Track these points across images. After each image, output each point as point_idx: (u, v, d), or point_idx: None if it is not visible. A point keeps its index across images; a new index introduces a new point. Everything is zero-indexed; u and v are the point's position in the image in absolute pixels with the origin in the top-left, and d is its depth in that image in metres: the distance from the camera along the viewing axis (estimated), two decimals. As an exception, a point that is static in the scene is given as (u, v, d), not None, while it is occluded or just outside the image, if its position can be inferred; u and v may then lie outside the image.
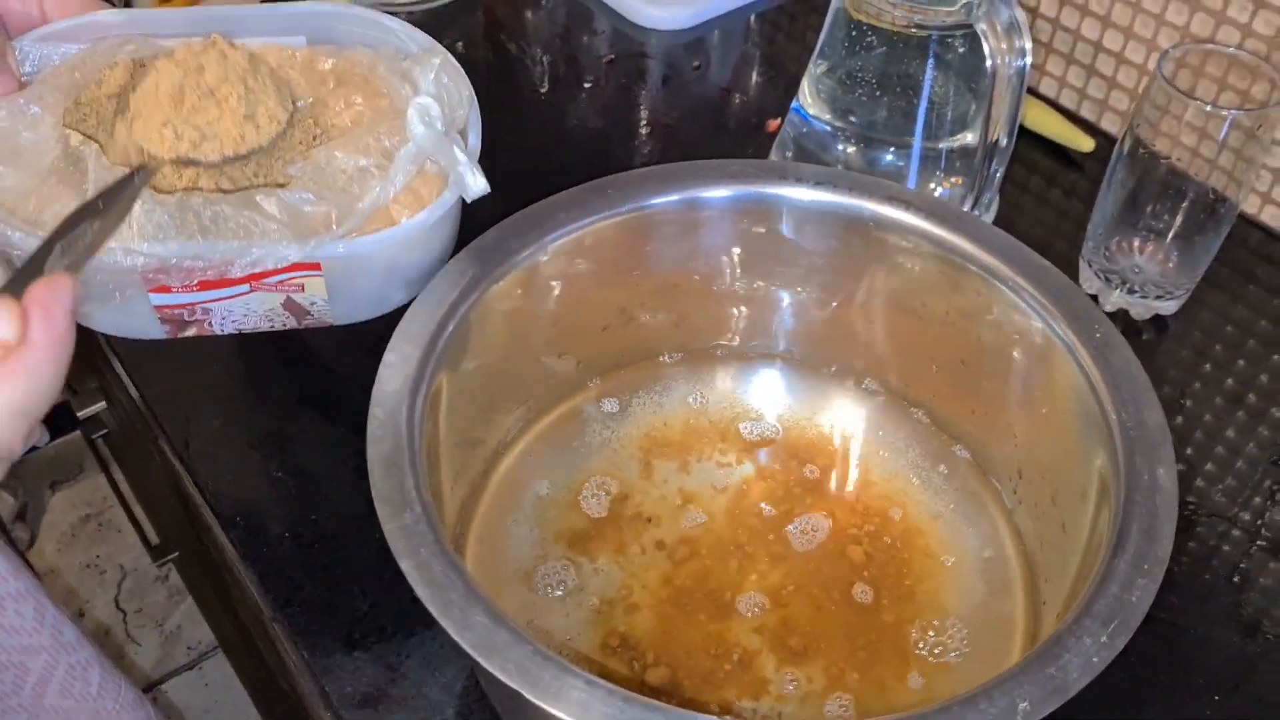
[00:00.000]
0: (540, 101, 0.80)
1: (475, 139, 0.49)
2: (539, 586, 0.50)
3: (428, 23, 0.87)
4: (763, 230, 0.53)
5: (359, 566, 0.52)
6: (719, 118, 0.80)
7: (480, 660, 0.35)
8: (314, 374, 0.62)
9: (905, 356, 0.55)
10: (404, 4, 0.86)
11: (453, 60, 0.50)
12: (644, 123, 0.80)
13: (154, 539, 1.21)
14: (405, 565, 0.37)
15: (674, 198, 0.51)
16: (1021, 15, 0.54)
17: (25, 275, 0.36)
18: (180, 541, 1.14)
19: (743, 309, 0.57)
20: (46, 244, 0.37)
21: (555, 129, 0.78)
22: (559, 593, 0.50)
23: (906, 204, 0.50)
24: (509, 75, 0.83)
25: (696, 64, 0.83)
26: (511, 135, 0.78)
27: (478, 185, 0.46)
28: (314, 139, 0.47)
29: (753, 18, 0.88)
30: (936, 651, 0.49)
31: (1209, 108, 0.57)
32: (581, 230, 0.50)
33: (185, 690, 1.33)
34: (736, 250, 0.54)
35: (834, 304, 0.55)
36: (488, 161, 0.75)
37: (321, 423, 0.59)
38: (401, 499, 0.39)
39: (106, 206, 0.40)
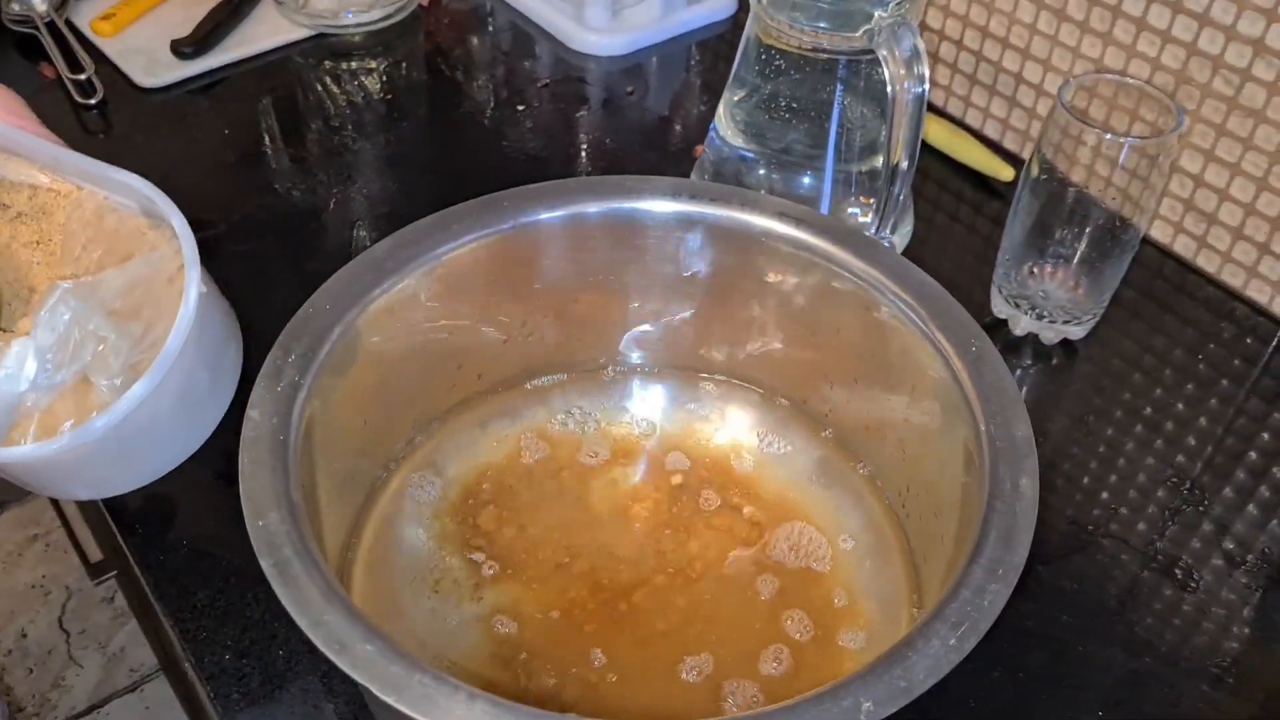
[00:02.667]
0: (479, 123, 0.81)
1: (104, 421, 0.40)
2: (431, 593, 0.50)
3: (369, 44, 0.88)
4: (649, 245, 0.53)
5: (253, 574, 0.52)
6: (654, 142, 0.81)
7: (331, 656, 0.35)
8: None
9: (799, 370, 0.56)
10: (345, 26, 0.87)
11: (80, 294, 0.42)
12: (581, 145, 0.81)
13: (96, 557, 1.21)
14: (265, 563, 0.37)
15: (566, 211, 0.52)
16: (921, 43, 0.55)
17: None
18: (117, 559, 1.13)
19: (634, 324, 0.57)
20: None
21: (494, 150, 0.79)
22: (451, 601, 0.50)
23: (794, 220, 0.51)
24: (449, 98, 0.84)
25: (630, 89, 0.85)
26: (450, 158, 0.79)
27: None
28: None
29: (693, 46, 0.90)
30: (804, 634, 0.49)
31: (1109, 136, 0.58)
32: (475, 241, 0.50)
33: (125, 713, 1.31)
34: (626, 264, 0.54)
35: (728, 319, 0.56)
36: (426, 184, 0.76)
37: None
38: (270, 499, 0.39)
39: None
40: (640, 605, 0.50)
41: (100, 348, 0.41)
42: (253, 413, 0.42)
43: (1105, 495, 0.58)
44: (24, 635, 1.38)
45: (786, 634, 0.49)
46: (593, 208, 0.52)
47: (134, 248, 0.45)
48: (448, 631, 0.49)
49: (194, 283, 0.42)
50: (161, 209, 0.44)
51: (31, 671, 1.35)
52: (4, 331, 0.44)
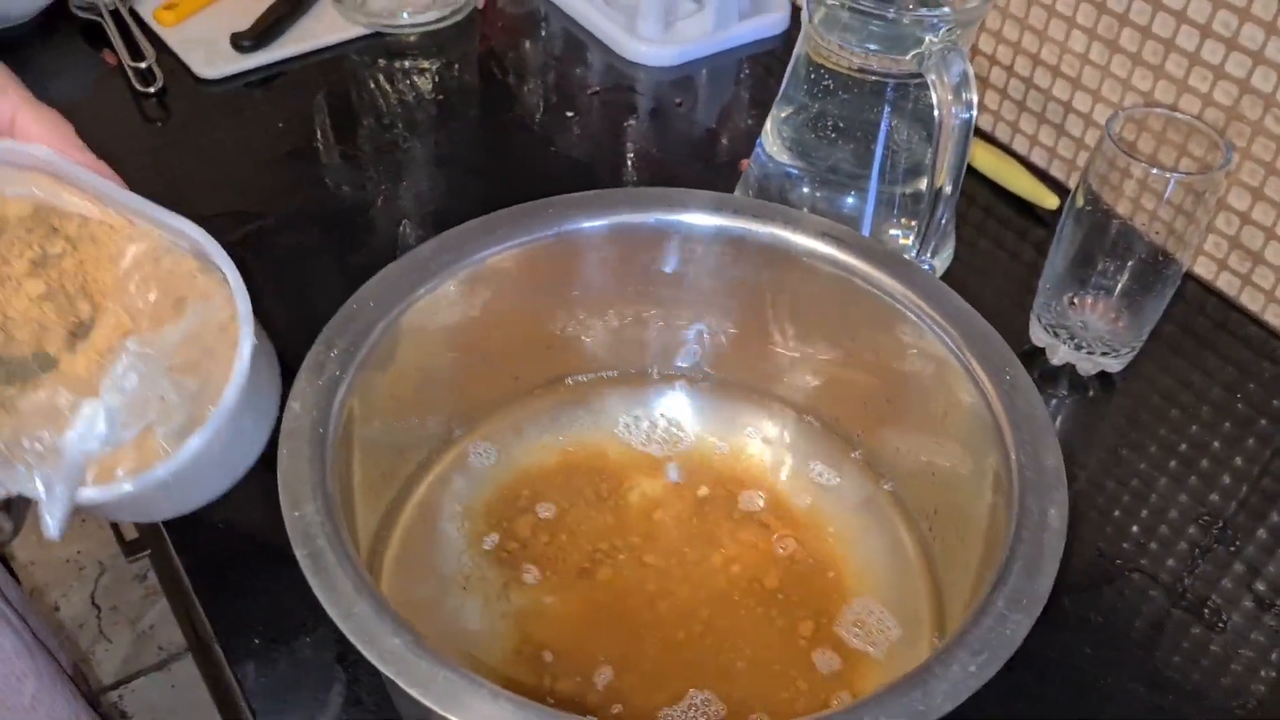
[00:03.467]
0: (528, 128, 0.82)
1: (164, 470, 0.42)
2: (460, 589, 0.51)
3: (424, 44, 0.89)
4: (693, 258, 0.54)
5: (290, 562, 0.53)
6: (699, 154, 0.81)
7: (360, 646, 0.35)
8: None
9: (833, 389, 0.56)
10: (401, 26, 0.89)
11: (147, 356, 0.44)
12: (628, 155, 0.81)
13: (131, 535, 1.23)
14: (299, 553, 0.38)
15: (604, 222, 0.52)
16: (970, 69, 0.55)
17: None
18: (152, 539, 1.15)
19: (672, 333, 0.58)
20: None
21: (541, 155, 0.80)
22: (479, 598, 0.51)
23: (836, 240, 0.52)
24: (500, 101, 0.85)
25: (679, 101, 0.85)
26: (498, 161, 0.80)
27: (47, 528, 0.41)
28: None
29: (743, 60, 0.90)
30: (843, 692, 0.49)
31: (1155, 170, 0.58)
32: (519, 247, 0.51)
33: (152, 690, 1.33)
34: (669, 275, 0.55)
35: (762, 334, 0.56)
36: (474, 185, 0.77)
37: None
38: (307, 490, 0.40)
39: None
40: (664, 615, 0.51)
41: (164, 405, 0.43)
42: (294, 404, 0.43)
43: (1136, 529, 0.58)
44: (57, 609, 1.40)
45: (801, 647, 0.50)
46: (635, 218, 0.53)
47: (187, 292, 0.46)
48: (474, 629, 0.49)
49: (247, 339, 0.43)
50: (216, 261, 0.45)
51: (61, 645, 1.37)
52: (46, 355, 0.45)
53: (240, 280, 0.44)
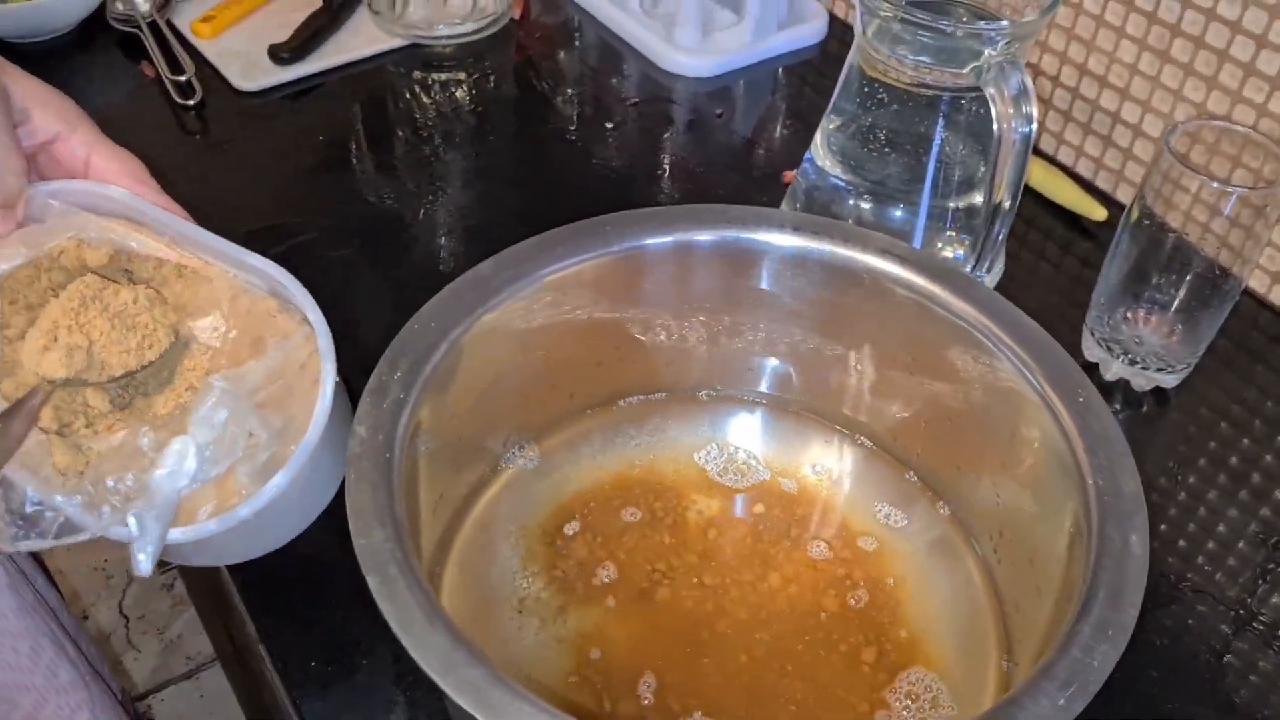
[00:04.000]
0: (565, 139, 0.82)
1: (248, 509, 0.42)
2: (516, 611, 0.50)
3: (460, 56, 0.89)
4: (753, 276, 0.53)
5: (341, 584, 0.53)
6: (738, 165, 0.81)
7: (435, 678, 0.35)
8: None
9: (891, 408, 0.55)
10: (438, 37, 0.88)
11: (235, 392, 0.43)
12: (665, 166, 0.81)
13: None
14: (372, 581, 0.37)
15: (668, 239, 0.52)
16: (1030, 82, 0.54)
17: None
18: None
19: (731, 353, 0.57)
20: None
21: (579, 167, 0.79)
22: (535, 622, 0.50)
23: (899, 258, 0.51)
24: (537, 112, 0.85)
25: (719, 112, 0.85)
26: (536, 173, 0.80)
27: (138, 565, 0.41)
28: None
29: (780, 69, 0.90)
30: (908, 709, 0.48)
31: (1215, 184, 0.57)
32: (576, 265, 0.50)
33: (180, 700, 1.33)
34: (728, 294, 0.54)
35: (822, 353, 0.55)
36: (512, 197, 0.77)
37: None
38: (375, 516, 0.39)
39: (4, 427, 0.39)
40: (724, 636, 0.50)
41: (250, 442, 0.43)
42: (359, 428, 0.42)
43: (1195, 549, 0.57)
44: (85, 618, 1.40)
45: (865, 673, 0.49)
46: (696, 236, 0.52)
47: (265, 331, 0.46)
48: (531, 651, 0.49)
49: (330, 376, 0.43)
50: (297, 300, 0.45)
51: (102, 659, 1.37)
52: (121, 389, 0.45)
53: (321, 317, 0.45)
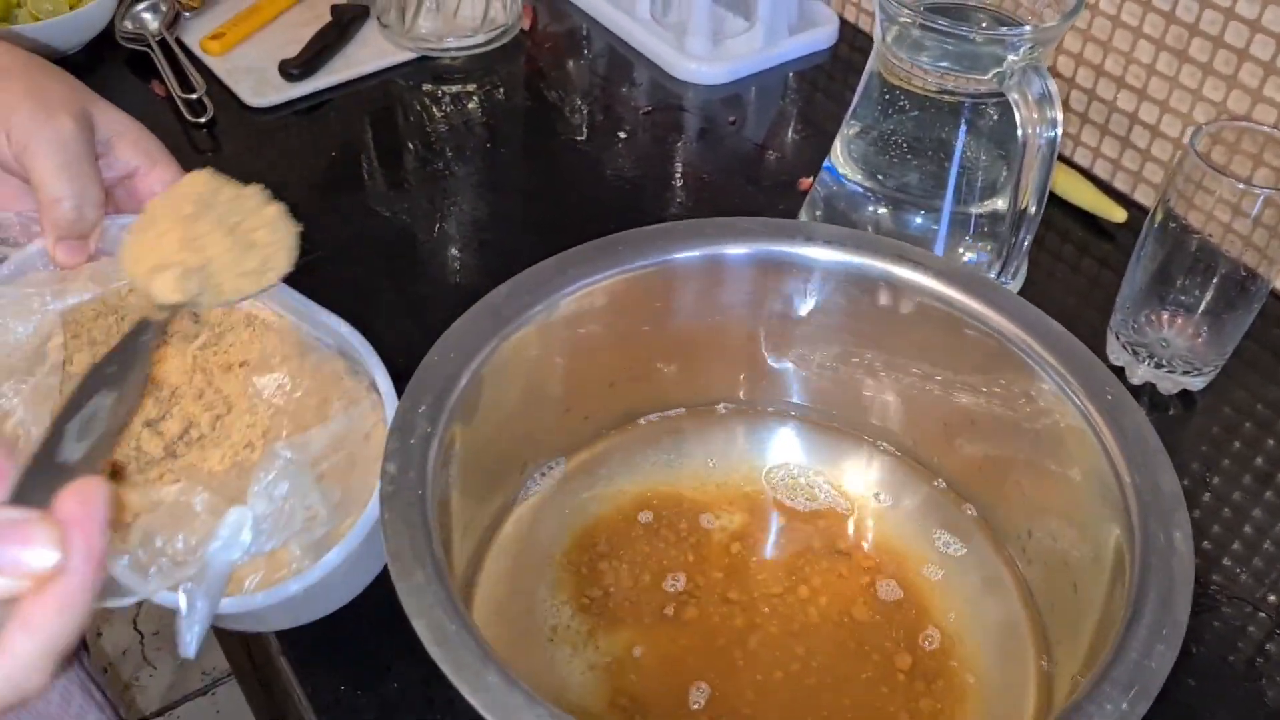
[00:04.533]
0: (577, 149, 0.81)
1: (298, 585, 0.41)
2: (547, 641, 0.50)
3: (470, 68, 0.88)
4: (774, 288, 0.53)
5: (365, 602, 0.52)
6: (752, 173, 0.80)
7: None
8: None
9: (916, 415, 0.55)
10: (447, 50, 0.88)
11: (298, 463, 0.41)
12: (678, 175, 0.80)
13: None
14: (418, 625, 0.37)
15: (685, 255, 0.51)
16: (1054, 86, 0.54)
17: (38, 471, 0.30)
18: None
19: (751, 366, 0.57)
20: (56, 426, 0.31)
21: (591, 177, 0.79)
22: (567, 649, 0.49)
23: (919, 265, 0.51)
24: (548, 123, 0.84)
25: (732, 119, 0.84)
26: (548, 182, 0.79)
27: (184, 645, 0.39)
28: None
29: (791, 75, 0.89)
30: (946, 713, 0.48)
31: (1241, 185, 0.56)
32: (593, 286, 0.50)
33: (197, 715, 1.33)
34: (747, 307, 0.54)
35: (845, 362, 0.55)
36: (525, 210, 0.76)
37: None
38: (413, 556, 0.39)
39: (120, 373, 0.35)
40: (756, 652, 0.50)
41: (307, 518, 0.41)
42: (389, 466, 0.41)
43: (1227, 555, 0.56)
44: (99, 635, 1.40)
45: (901, 682, 0.49)
46: (712, 251, 0.52)
47: (332, 393, 0.45)
48: (566, 681, 0.48)
49: None
50: (367, 364, 0.43)
51: (106, 671, 1.37)
52: (185, 443, 0.43)
53: (391, 386, 0.43)
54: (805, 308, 0.53)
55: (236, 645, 1.13)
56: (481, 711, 0.35)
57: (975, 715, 0.48)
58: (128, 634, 1.40)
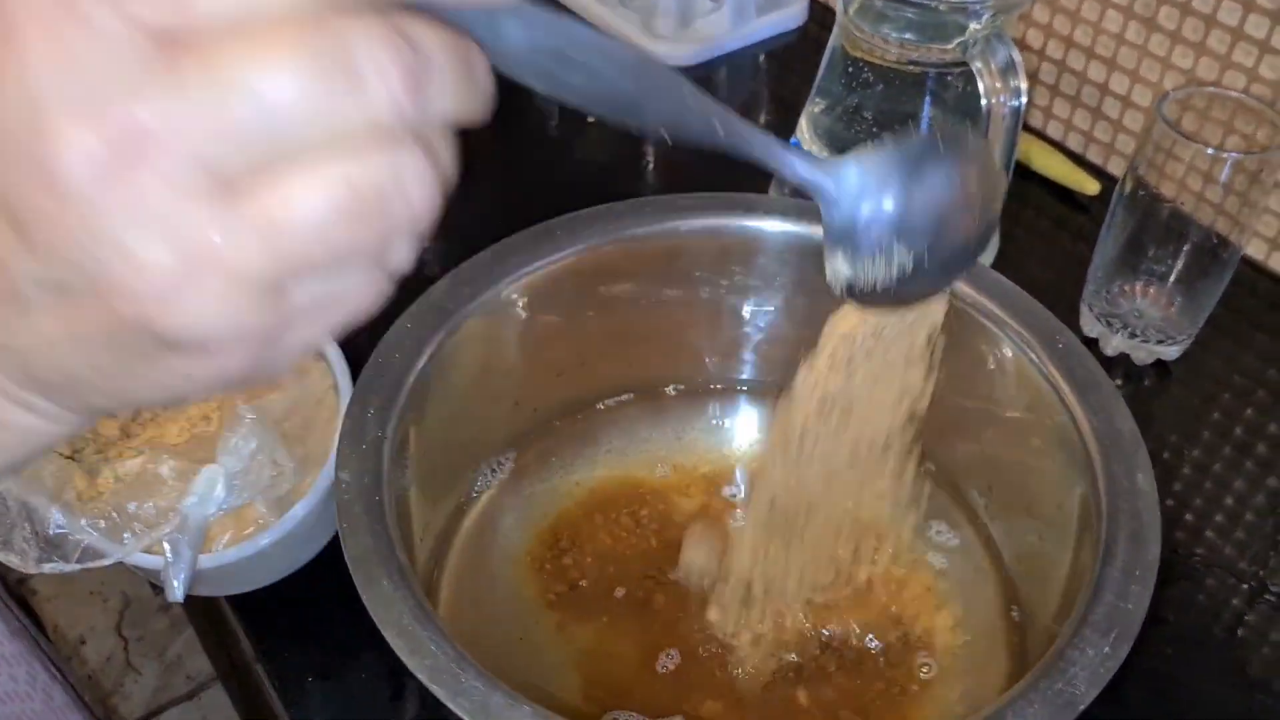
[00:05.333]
0: (546, 136, 0.81)
1: (269, 538, 0.43)
2: (517, 639, 0.49)
3: (436, 56, 0.87)
4: (711, 264, 0.52)
5: (332, 596, 0.51)
6: (723, 154, 0.79)
7: None
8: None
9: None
10: (413, 37, 0.87)
11: (263, 423, 0.44)
12: (648, 158, 0.79)
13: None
14: (389, 635, 0.36)
15: (626, 235, 0.51)
16: (1017, 55, 0.53)
17: None
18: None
19: (701, 346, 0.56)
20: None
21: (561, 163, 0.78)
22: (537, 645, 0.49)
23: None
24: (515, 109, 0.83)
25: (702, 101, 0.83)
26: (516, 171, 0.78)
27: (173, 591, 0.41)
28: None
29: (762, 56, 0.88)
30: (924, 671, 0.47)
31: (1210, 150, 0.56)
32: (532, 274, 0.49)
33: (183, 720, 1.32)
34: (688, 286, 0.53)
35: (795, 334, 0.54)
36: (492, 197, 0.75)
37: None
38: (377, 562, 0.38)
39: None
40: (731, 639, 0.49)
41: (275, 474, 0.44)
42: (342, 474, 0.40)
43: (1204, 522, 0.56)
44: (83, 642, 1.38)
45: (884, 638, 0.48)
46: (643, 230, 0.51)
47: None
48: (539, 677, 0.47)
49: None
50: None
51: (90, 678, 1.35)
52: (139, 424, 0.45)
53: (339, 354, 0.46)
54: (752, 282, 0.53)
55: (217, 648, 1.12)
56: (464, 716, 0.34)
57: (951, 667, 0.47)
58: (111, 640, 1.39)
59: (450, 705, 0.34)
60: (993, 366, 0.48)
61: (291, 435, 0.44)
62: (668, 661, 0.48)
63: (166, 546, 0.40)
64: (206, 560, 0.42)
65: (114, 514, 0.42)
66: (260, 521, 0.43)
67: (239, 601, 0.52)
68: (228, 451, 0.42)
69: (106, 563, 0.41)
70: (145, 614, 1.41)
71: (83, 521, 0.41)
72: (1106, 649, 0.36)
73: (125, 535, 0.41)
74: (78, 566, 0.41)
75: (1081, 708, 0.35)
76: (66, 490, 0.42)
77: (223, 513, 0.43)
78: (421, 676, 0.35)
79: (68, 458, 0.44)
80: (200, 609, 1.10)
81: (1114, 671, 0.36)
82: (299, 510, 0.43)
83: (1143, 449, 0.42)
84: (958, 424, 0.52)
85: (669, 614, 0.50)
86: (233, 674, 1.04)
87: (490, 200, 0.76)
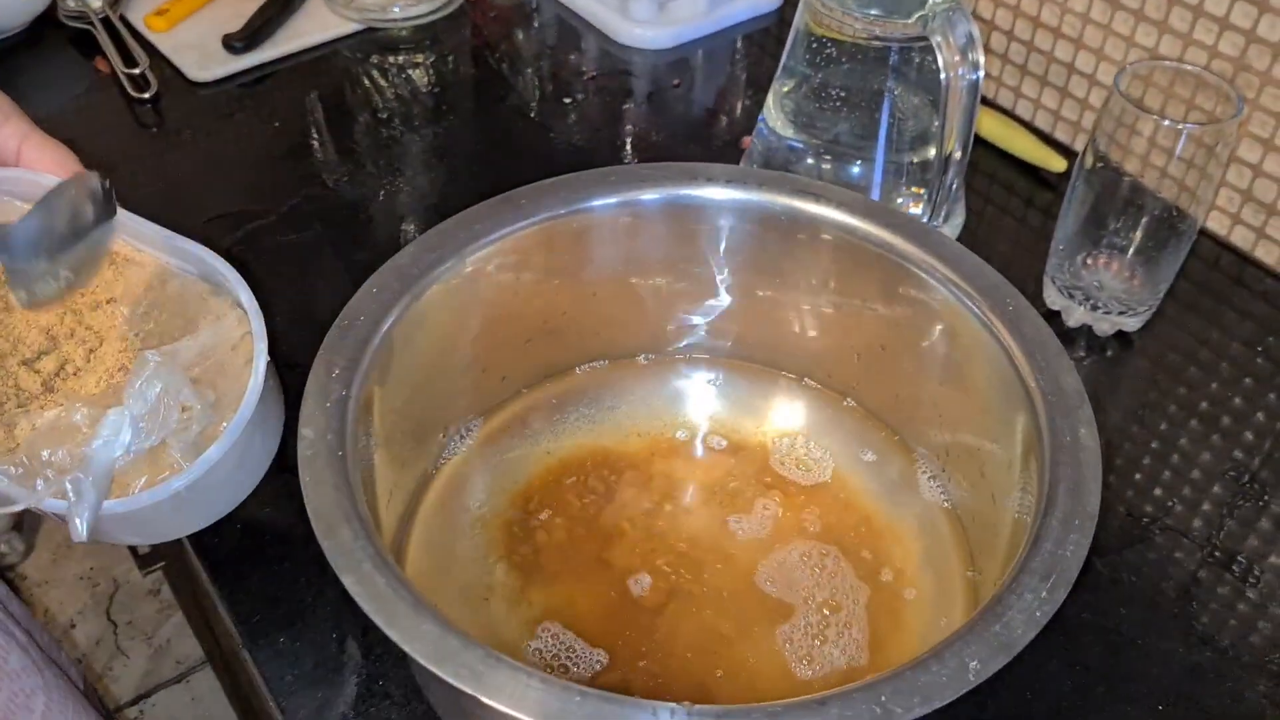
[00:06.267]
0: (525, 117, 0.82)
1: (182, 481, 0.43)
2: (482, 600, 0.50)
3: (416, 38, 0.88)
4: (675, 231, 0.53)
5: (303, 558, 0.53)
6: (699, 135, 0.80)
7: (432, 668, 0.35)
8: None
9: (828, 347, 0.56)
10: (392, 20, 0.88)
11: (168, 365, 0.44)
12: (627, 139, 0.81)
13: (144, 550, 1.22)
14: (347, 580, 0.37)
15: (588, 204, 0.52)
16: (975, 29, 0.54)
17: None
18: (166, 552, 1.14)
19: (665, 312, 0.57)
20: None
21: (541, 144, 0.79)
22: (503, 606, 0.50)
23: (816, 196, 0.51)
24: (495, 91, 0.84)
25: (677, 82, 0.84)
26: (496, 151, 0.79)
27: (75, 530, 0.41)
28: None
29: (739, 39, 0.89)
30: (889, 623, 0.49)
31: (1166, 122, 0.57)
32: (497, 241, 0.50)
33: (172, 703, 1.33)
34: (653, 254, 0.54)
35: (752, 300, 0.56)
36: (473, 176, 0.76)
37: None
38: (339, 514, 0.39)
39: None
40: (697, 594, 0.50)
41: (184, 415, 0.44)
42: (306, 431, 0.41)
43: (1162, 489, 0.57)
44: (73, 626, 1.40)
45: (854, 603, 0.50)
46: (605, 200, 0.52)
47: (198, 313, 0.47)
48: (502, 637, 0.48)
49: (262, 354, 0.44)
50: (231, 284, 0.46)
51: (80, 662, 1.36)
52: (61, 379, 0.46)
53: (253, 298, 0.46)
54: (712, 248, 0.54)
55: (206, 631, 1.13)
56: (419, 659, 0.35)
57: (916, 626, 0.49)
58: (101, 624, 1.40)
59: (408, 649, 0.35)
60: (946, 328, 0.49)
61: (203, 380, 0.45)
62: (630, 622, 0.49)
63: (69, 486, 0.41)
64: (119, 504, 0.42)
65: (26, 460, 0.42)
66: (175, 466, 0.43)
67: (219, 576, 0.53)
68: (132, 395, 0.42)
69: (17, 508, 0.41)
70: (135, 599, 1.42)
71: None
72: (1044, 593, 0.37)
73: (38, 481, 0.42)
74: None
75: (1017, 650, 0.36)
76: None
77: (133, 455, 0.43)
78: (379, 621, 0.36)
79: None
80: (189, 592, 1.11)
81: (1050, 615, 0.37)
82: (213, 453, 0.43)
83: (1086, 405, 0.43)
84: (915, 388, 0.53)
85: (643, 575, 0.51)
86: (220, 657, 1.05)
87: (469, 182, 0.78)
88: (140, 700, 1.33)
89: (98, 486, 0.41)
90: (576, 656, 0.48)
